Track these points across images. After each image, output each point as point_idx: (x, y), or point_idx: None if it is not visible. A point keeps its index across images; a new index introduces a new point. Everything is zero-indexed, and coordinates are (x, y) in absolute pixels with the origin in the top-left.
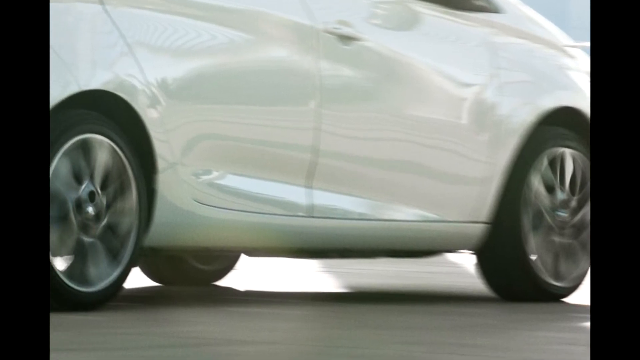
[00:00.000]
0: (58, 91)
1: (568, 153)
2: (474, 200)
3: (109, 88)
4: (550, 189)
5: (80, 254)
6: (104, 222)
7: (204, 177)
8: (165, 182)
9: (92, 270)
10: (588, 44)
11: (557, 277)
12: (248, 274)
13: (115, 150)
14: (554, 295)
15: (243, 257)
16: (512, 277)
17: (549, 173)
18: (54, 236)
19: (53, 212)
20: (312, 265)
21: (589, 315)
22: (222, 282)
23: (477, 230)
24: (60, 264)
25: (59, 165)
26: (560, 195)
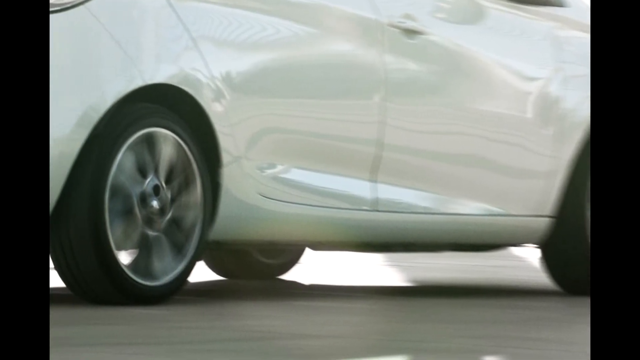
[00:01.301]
0: (123, 85)
1: None
2: (539, 194)
3: (174, 82)
4: None
5: (144, 248)
6: (169, 216)
7: (269, 171)
8: (230, 176)
9: (157, 264)
10: None
11: None
12: (313, 268)
13: (179, 144)
14: None
15: (308, 250)
16: (576, 271)
17: None
18: (118, 230)
19: (118, 206)
20: (376, 259)
21: None
22: (287, 276)
23: (542, 224)
24: (124, 258)
25: (123, 159)
26: None
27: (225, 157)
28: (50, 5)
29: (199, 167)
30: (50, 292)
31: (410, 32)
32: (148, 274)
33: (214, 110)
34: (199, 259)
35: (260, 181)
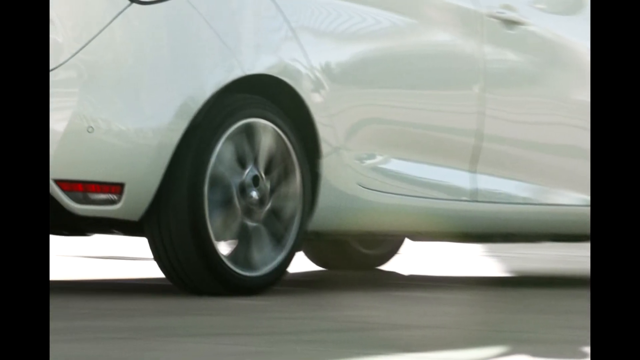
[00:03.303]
0: (222, 76)
1: None
2: None
3: (273, 72)
4: None
5: (244, 239)
6: (268, 206)
7: (368, 162)
8: (329, 167)
9: (256, 255)
10: None
11: None
12: (412, 259)
13: (279, 135)
14: None
15: (407, 241)
16: None
17: None
18: (218, 221)
19: (217, 196)
20: (475, 250)
21: None
22: (386, 267)
23: None
24: (224, 248)
25: (223, 149)
26: None
27: (324, 148)
28: None
29: (298, 158)
30: (150, 282)
31: (510, 23)
32: (247, 264)
33: (314, 100)
34: (298, 250)
35: (359, 172)
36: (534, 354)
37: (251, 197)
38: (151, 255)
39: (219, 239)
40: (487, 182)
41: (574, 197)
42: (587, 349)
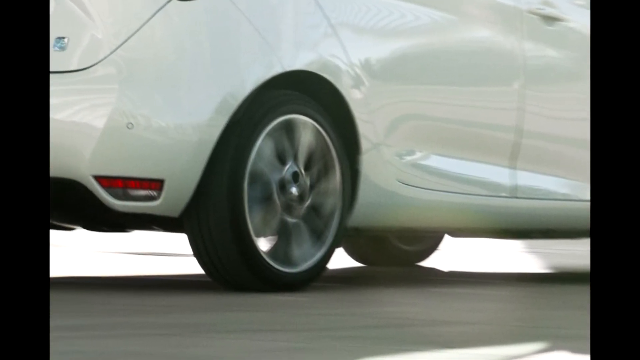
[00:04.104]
0: (262, 72)
1: None
2: None
3: (313, 69)
4: None
5: (284, 235)
6: (308, 202)
7: (408, 158)
8: (369, 163)
9: (296, 251)
10: None
11: None
12: (451, 255)
13: (318, 131)
14: None
15: (446, 237)
16: None
17: None
18: (257, 217)
19: (257, 192)
20: (515, 246)
21: None
22: (426, 263)
23: None
24: (264, 244)
25: (262, 146)
26: None
27: (364, 144)
28: None
29: (338, 154)
30: (189, 278)
31: (549, 19)
32: (287, 260)
33: (353, 97)
34: (338, 246)
35: (399, 168)
36: (573, 351)
37: (291, 193)
38: (191, 252)
39: (258, 235)
40: (527, 179)
41: None
42: None
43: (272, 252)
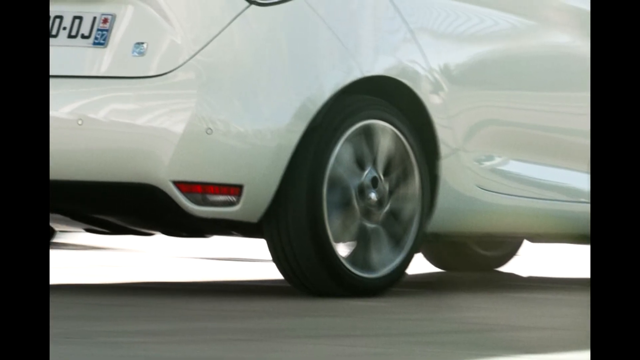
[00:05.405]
0: (341, 77)
1: None
2: None
3: (392, 74)
4: None
5: (363, 240)
6: (387, 208)
7: (487, 163)
8: (448, 168)
9: (375, 257)
10: None
11: None
12: (531, 260)
13: (397, 136)
14: None
15: (525, 242)
16: None
17: None
18: (336, 222)
19: (336, 198)
20: None
21: None
22: (505, 268)
23: None
24: (343, 250)
25: (342, 151)
26: None
27: (443, 149)
28: None
29: (417, 159)
30: (269, 284)
31: None
32: (366, 266)
33: (432, 102)
34: (417, 251)
35: (478, 173)
36: None
37: (370, 198)
38: (270, 257)
39: (337, 241)
40: None
41: None
42: None
43: (351, 258)
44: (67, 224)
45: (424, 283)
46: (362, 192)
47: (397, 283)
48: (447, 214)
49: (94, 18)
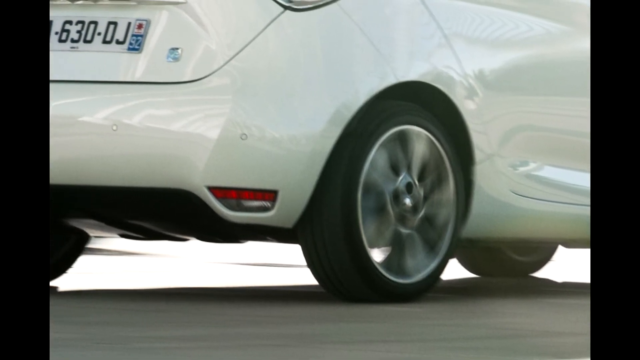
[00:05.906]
0: (376, 83)
1: None
2: None
3: (427, 79)
4: None
5: (397, 246)
6: (422, 213)
7: (521, 169)
8: (483, 174)
9: (410, 262)
10: None
11: None
12: (565, 266)
13: (432, 142)
14: None
15: (560, 248)
16: None
17: None
18: (371, 228)
19: (370, 203)
20: None
21: None
22: (540, 274)
23: None
24: (377, 255)
25: (376, 156)
26: None
27: (478, 155)
28: (303, 3)
29: (451, 165)
30: (303, 289)
31: None
32: (401, 271)
33: (467, 107)
34: (452, 257)
35: (512, 179)
36: None
37: (405, 204)
38: (305, 263)
39: (372, 246)
40: None
41: None
42: None
43: (386, 263)
44: (102, 229)
45: (458, 289)
46: (396, 197)
47: (431, 288)
48: (481, 219)
49: (129, 23)
